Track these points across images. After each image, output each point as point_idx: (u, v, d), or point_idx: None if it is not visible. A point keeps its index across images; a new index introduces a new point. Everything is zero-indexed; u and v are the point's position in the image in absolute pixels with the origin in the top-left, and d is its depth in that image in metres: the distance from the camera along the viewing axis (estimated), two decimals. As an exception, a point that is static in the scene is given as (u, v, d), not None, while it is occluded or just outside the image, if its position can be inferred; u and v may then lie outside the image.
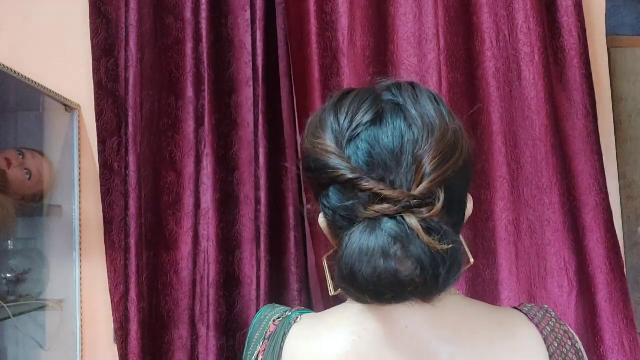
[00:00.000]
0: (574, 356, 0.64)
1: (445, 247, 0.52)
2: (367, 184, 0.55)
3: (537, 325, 0.64)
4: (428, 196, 0.54)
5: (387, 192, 0.54)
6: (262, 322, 0.68)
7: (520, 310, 0.67)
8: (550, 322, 0.65)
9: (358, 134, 0.59)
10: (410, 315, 0.61)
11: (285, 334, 0.64)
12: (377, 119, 0.59)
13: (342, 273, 0.54)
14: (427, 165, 0.55)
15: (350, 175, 0.56)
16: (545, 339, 0.63)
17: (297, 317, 0.66)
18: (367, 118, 0.59)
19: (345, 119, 0.60)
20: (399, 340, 0.60)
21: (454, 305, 0.63)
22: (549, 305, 1.28)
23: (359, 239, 0.53)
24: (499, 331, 0.63)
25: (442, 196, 0.55)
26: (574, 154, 1.34)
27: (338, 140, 0.59)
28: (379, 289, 0.52)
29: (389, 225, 0.53)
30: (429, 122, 0.58)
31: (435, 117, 0.58)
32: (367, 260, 0.52)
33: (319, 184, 0.61)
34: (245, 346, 0.68)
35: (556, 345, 0.63)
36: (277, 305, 0.72)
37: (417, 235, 0.52)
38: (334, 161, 0.58)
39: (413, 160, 0.56)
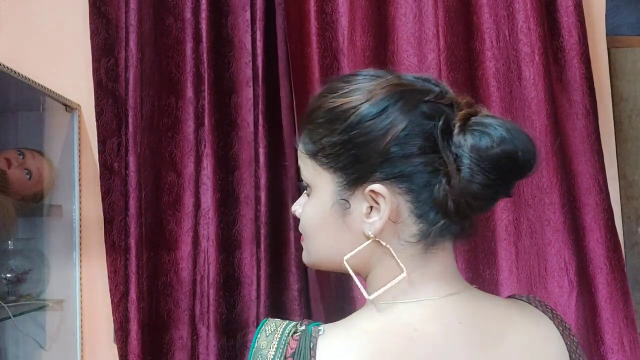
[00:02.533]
0: (574, 337, 0.66)
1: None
2: (448, 95, 0.63)
3: (544, 313, 0.66)
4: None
5: (460, 100, 0.63)
6: (273, 339, 0.60)
7: (522, 300, 0.69)
8: (548, 308, 0.68)
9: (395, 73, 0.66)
10: (458, 309, 0.61)
11: (311, 349, 0.58)
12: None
13: (498, 163, 0.58)
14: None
15: (437, 90, 0.63)
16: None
17: (318, 330, 0.60)
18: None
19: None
20: (458, 336, 0.59)
21: (479, 299, 0.65)
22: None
23: (493, 133, 0.59)
24: (526, 322, 0.64)
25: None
26: (574, 154, 1.34)
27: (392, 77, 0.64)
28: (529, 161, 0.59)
29: (489, 120, 0.61)
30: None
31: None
32: (518, 138, 0.59)
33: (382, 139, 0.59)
34: None
35: (561, 329, 0.65)
36: (274, 319, 0.64)
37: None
38: (418, 82, 0.63)
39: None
